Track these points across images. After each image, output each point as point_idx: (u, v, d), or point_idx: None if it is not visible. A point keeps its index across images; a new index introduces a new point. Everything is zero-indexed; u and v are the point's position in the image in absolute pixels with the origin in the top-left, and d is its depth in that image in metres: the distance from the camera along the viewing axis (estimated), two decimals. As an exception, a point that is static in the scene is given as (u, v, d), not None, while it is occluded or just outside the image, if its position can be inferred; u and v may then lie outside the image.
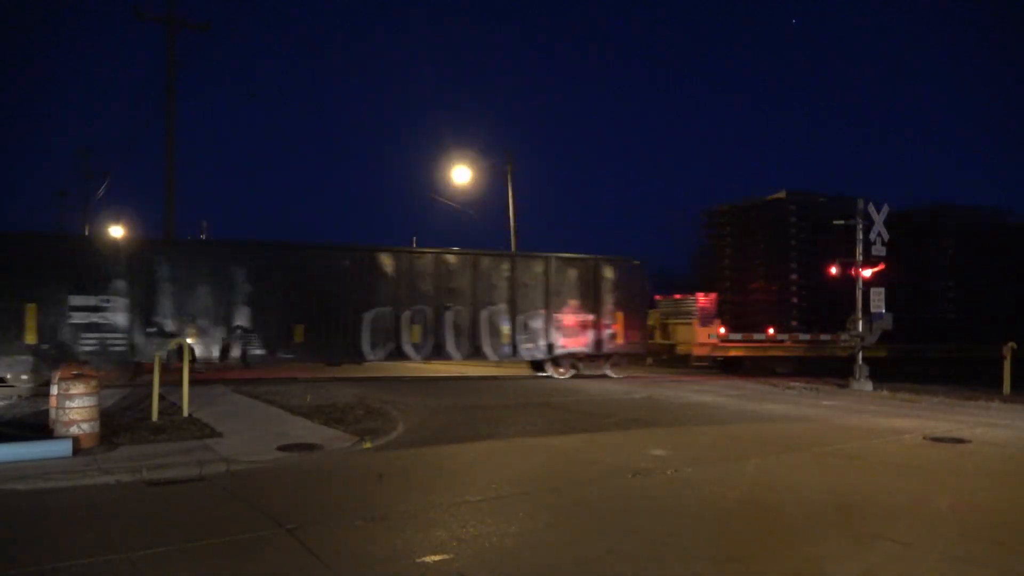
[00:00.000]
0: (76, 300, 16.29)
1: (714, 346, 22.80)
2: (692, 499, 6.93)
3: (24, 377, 15.87)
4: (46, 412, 9.45)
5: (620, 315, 20.97)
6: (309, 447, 9.13)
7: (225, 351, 17.52)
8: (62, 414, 8.61)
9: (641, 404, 14.66)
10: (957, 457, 9.25)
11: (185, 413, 10.93)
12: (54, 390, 8.87)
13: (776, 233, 24.82)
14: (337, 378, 18.73)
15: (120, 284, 16.72)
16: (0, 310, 15.77)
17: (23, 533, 5.73)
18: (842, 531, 5.89)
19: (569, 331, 20.55)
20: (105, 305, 16.51)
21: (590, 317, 20.77)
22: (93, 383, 8.83)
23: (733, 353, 23.37)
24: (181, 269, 17.25)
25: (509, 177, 30.34)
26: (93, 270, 16.56)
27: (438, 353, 19.42)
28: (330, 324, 18.31)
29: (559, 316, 20.46)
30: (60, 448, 8.14)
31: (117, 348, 16.55)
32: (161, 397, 11.23)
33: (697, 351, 22.70)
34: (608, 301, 21.04)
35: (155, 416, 10.59)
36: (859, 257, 18.94)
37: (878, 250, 18.87)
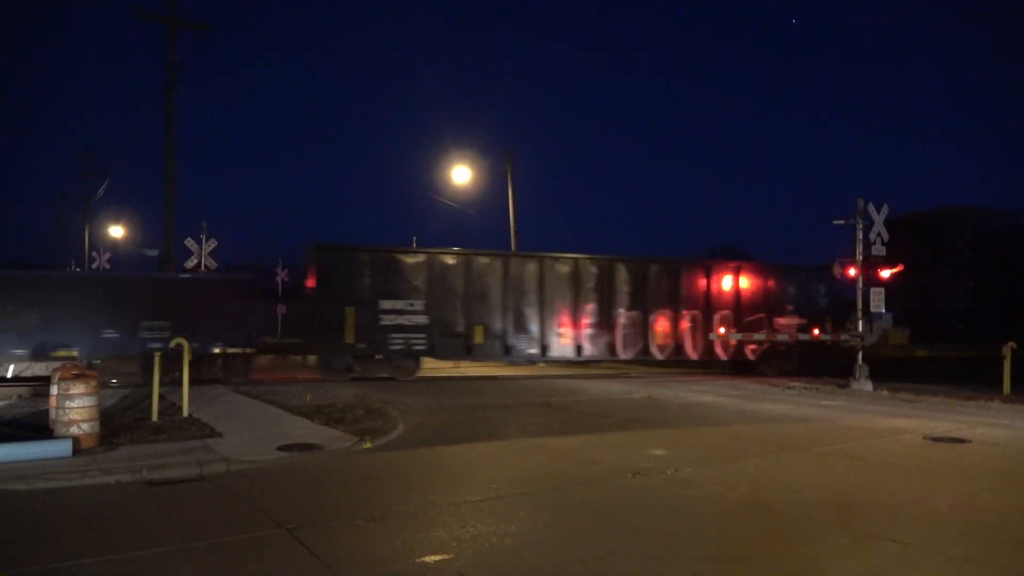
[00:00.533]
0: (385, 304, 18.62)
1: (904, 348, 24.95)
2: (692, 499, 6.92)
3: (348, 373, 18.35)
4: (46, 412, 9.45)
5: (829, 320, 22.60)
6: (309, 447, 9.12)
7: (507, 350, 20.07)
8: (62, 414, 8.61)
9: (641, 404, 14.65)
10: (957, 457, 9.25)
11: (185, 413, 10.93)
12: (54, 390, 8.86)
13: (944, 244, 26.90)
14: (336, 378, 18.73)
15: (421, 290, 19.06)
16: (326, 313, 18.15)
17: (23, 533, 5.73)
18: (842, 531, 5.88)
19: (784, 334, 22.36)
20: (409, 309, 18.84)
21: (803, 321, 22.57)
22: (93, 383, 8.83)
23: (920, 354, 25.04)
24: (469, 277, 19.60)
25: (509, 177, 30.36)
26: (400, 277, 18.94)
27: (678, 352, 21.88)
28: (599, 326, 20.70)
29: (778, 320, 22.51)
30: (60, 448, 8.14)
31: (419, 347, 18.94)
32: (161, 397, 11.23)
33: (888, 353, 24.68)
34: (819, 306, 23.22)
35: (155, 416, 10.58)
36: (859, 257, 18.93)
37: (878, 250, 18.86)
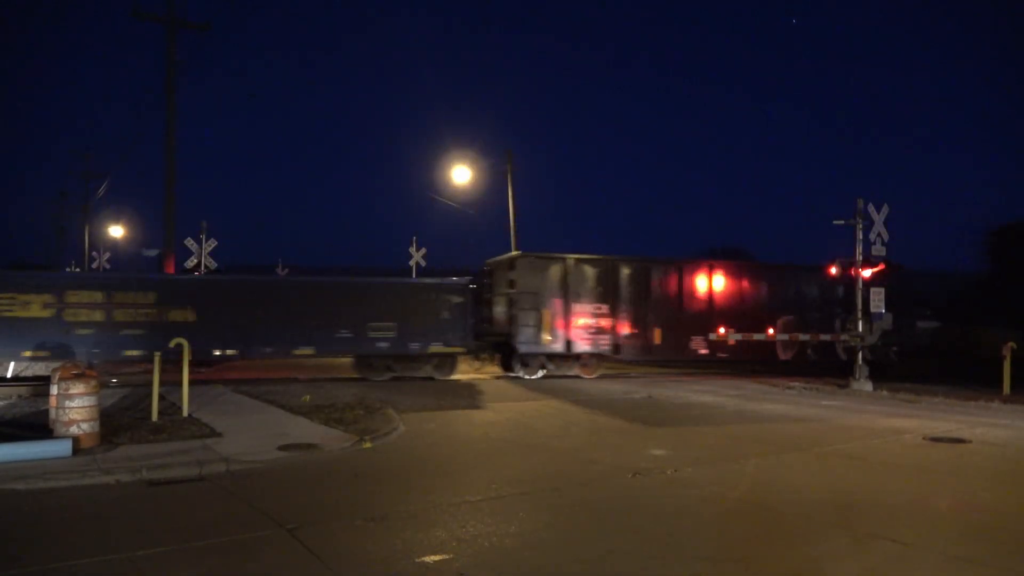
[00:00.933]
0: (576, 307, 20.54)
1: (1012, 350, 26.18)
2: (692, 499, 6.92)
3: (541, 371, 20.25)
4: (46, 412, 9.45)
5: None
6: (309, 447, 9.12)
7: (681, 350, 21.81)
8: (62, 414, 8.61)
9: (641, 404, 14.65)
10: (957, 457, 9.25)
11: (185, 413, 10.93)
12: (54, 390, 8.86)
13: None
14: (337, 378, 18.76)
15: (606, 294, 20.92)
16: (523, 316, 20.03)
17: (23, 533, 5.73)
18: (842, 531, 5.89)
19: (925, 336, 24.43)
20: (596, 312, 20.73)
21: (938, 324, 24.65)
22: (93, 383, 8.83)
23: None
24: (648, 282, 21.40)
25: (509, 177, 30.29)
26: (588, 282, 20.74)
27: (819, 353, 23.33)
28: (752, 330, 21.83)
29: (919, 323, 24.39)
30: (60, 448, 8.14)
31: (604, 347, 20.80)
32: (161, 397, 11.23)
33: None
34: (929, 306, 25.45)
35: (155, 416, 10.58)
36: (858, 257, 18.93)
37: (878, 250, 18.86)
